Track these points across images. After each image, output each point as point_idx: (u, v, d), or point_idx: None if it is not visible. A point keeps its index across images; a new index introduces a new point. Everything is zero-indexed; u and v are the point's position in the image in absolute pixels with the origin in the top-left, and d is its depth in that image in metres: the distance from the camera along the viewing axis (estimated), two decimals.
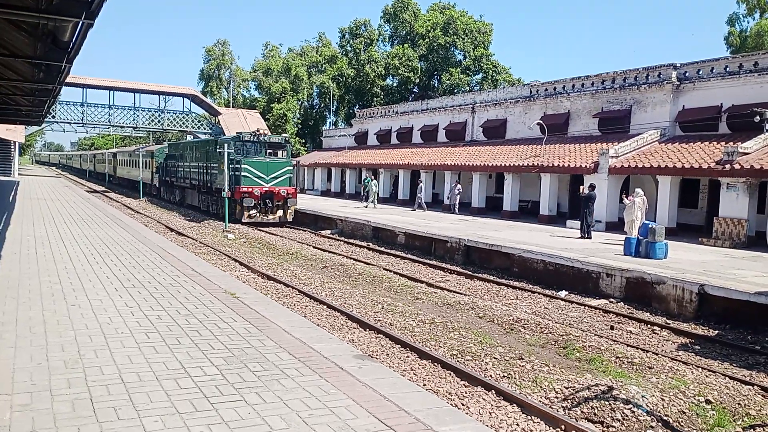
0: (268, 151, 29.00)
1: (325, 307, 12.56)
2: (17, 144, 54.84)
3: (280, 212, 28.86)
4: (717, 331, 12.19)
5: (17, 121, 42.89)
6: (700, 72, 26.92)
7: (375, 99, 66.66)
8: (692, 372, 9.34)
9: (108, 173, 68.80)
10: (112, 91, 54.44)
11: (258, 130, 29.41)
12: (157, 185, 44.85)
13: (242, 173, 27.64)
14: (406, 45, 66.72)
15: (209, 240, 22.97)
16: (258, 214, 28.17)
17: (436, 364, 9.05)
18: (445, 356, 9.44)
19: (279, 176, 28.63)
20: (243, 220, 27.56)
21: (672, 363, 9.75)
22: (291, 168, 29.59)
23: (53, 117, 51.49)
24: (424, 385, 8.12)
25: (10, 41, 15.42)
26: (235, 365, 6.23)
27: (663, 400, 7.96)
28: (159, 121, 56.90)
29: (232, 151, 27.47)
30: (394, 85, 68.98)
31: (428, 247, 21.28)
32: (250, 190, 27.65)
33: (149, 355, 6.40)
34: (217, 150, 28.13)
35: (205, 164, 31.96)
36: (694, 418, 7.63)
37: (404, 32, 68.92)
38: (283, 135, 31.88)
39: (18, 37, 14.55)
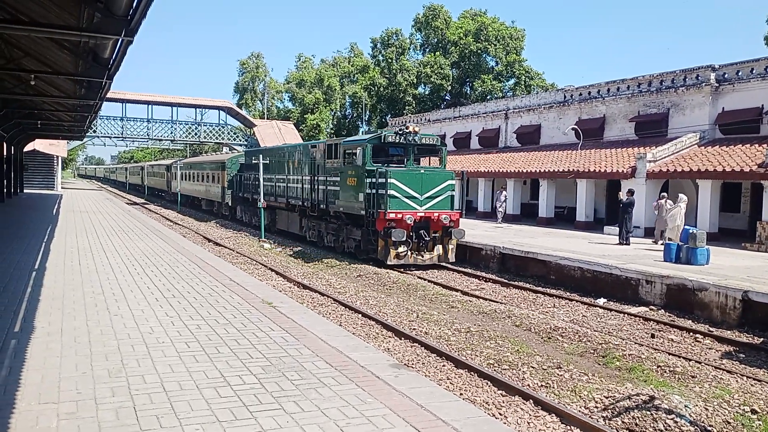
0: (418, 157, 20.83)
1: (360, 315, 12.60)
2: (60, 158, 56.46)
3: (438, 248, 19.60)
4: (762, 339, 11.84)
5: (60, 136, 44.33)
6: (740, 73, 26.29)
7: (407, 107, 66.80)
8: (737, 381, 9.10)
9: (157, 188, 61.06)
10: (150, 105, 55.80)
11: (407, 126, 19.69)
12: (230, 203, 35.46)
13: (388, 191, 18.43)
14: (437, 53, 66.78)
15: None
16: (409, 253, 19.11)
17: (472, 373, 8.99)
18: (482, 365, 9.37)
19: (437, 195, 19.25)
20: (389, 262, 18.72)
21: (716, 372, 9.51)
22: (453, 182, 19.64)
23: (94, 131, 52.94)
24: (461, 394, 8.07)
25: (53, 59, 15.98)
26: (273, 374, 6.29)
27: (707, 410, 7.76)
28: (195, 134, 57.99)
29: (363, 158, 19.40)
30: (426, 93, 69.05)
31: (462, 254, 21.17)
32: (399, 216, 18.48)
33: (190, 364, 6.51)
34: (338, 157, 21.04)
35: (311, 176, 23.39)
36: (739, 429, 7.42)
37: (436, 40, 69.01)
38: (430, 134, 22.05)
39: (60, 55, 15.07)
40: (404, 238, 18.37)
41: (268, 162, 28.79)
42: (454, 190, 19.62)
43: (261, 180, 27.26)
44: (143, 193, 68.21)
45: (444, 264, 19.64)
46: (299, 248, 23.82)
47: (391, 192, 18.55)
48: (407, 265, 19.08)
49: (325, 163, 22.08)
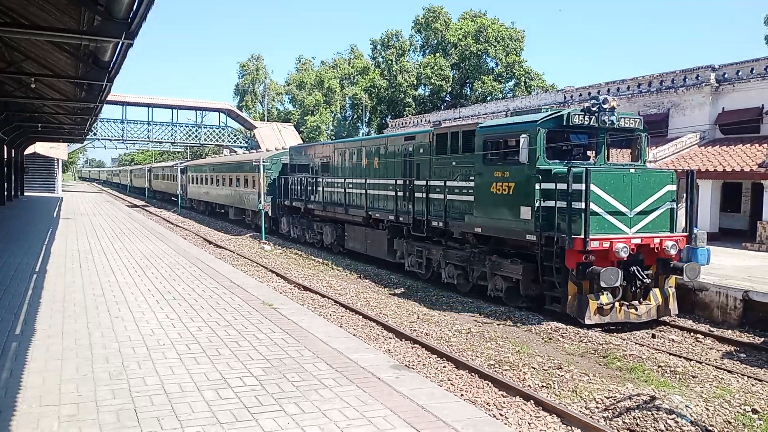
0: (609, 147, 13.88)
1: (360, 317, 12.60)
2: (60, 161, 56.51)
3: (655, 294, 12.71)
4: (763, 339, 11.83)
5: (60, 138, 44.37)
6: (740, 73, 26.30)
7: (407, 109, 66.82)
8: (737, 381, 9.10)
9: (168, 192, 54.39)
10: (150, 108, 55.81)
11: (603, 100, 12.79)
12: (270, 213, 28.48)
13: (589, 203, 11.66)
14: (437, 54, 66.80)
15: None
16: (617, 305, 12.18)
17: (473, 374, 8.99)
18: (482, 366, 9.37)
19: (652, 208, 12.58)
20: (588, 320, 11.86)
21: (716, 372, 9.51)
22: (674, 188, 12.95)
23: (95, 134, 53.00)
24: (462, 395, 8.07)
25: (54, 62, 16.02)
26: (274, 375, 6.30)
27: (708, 410, 7.77)
28: (196, 136, 58.02)
29: (531, 151, 12.67)
30: (426, 94, 69.07)
31: None
32: (605, 245, 11.77)
33: (190, 366, 6.52)
34: (463, 151, 14.87)
35: (406, 181, 17.28)
36: (740, 428, 7.42)
37: (436, 41, 69.04)
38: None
39: (61, 59, 15.11)
40: (617, 283, 11.57)
41: (326, 161, 23.26)
42: (674, 201, 12.88)
43: (262, 179, 27.16)
44: (152, 198, 63.56)
45: (664, 319, 12.90)
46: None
47: (593, 206, 11.66)
48: (614, 323, 12.17)
49: (436, 160, 15.90)
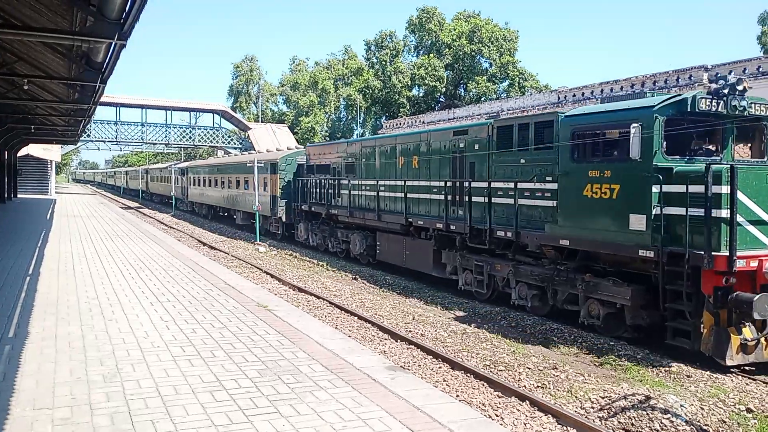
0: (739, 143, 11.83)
1: (356, 318, 12.59)
2: (53, 163, 56.28)
3: None
4: None
5: (53, 140, 44.19)
6: (732, 73, 26.45)
7: (401, 110, 66.92)
8: (732, 380, 9.12)
9: (166, 195, 51.36)
10: (144, 109, 55.68)
11: (737, 80, 10.57)
12: (283, 218, 26.57)
13: (735, 211, 9.17)
14: (431, 55, 66.95)
15: None
16: (762, 342, 9.41)
17: (468, 374, 8.99)
18: (478, 367, 9.37)
19: None
20: (730, 360, 9.19)
21: (710, 371, 9.53)
22: None
23: (88, 136, 52.81)
24: (457, 396, 8.07)
25: (46, 63, 15.95)
26: (269, 377, 6.28)
27: (702, 409, 7.79)
28: (190, 138, 57.90)
29: (646, 144, 10.08)
30: (420, 95, 69.20)
31: None
32: (755, 265, 9.35)
33: (185, 369, 6.49)
34: (536, 143, 12.54)
35: (456, 183, 15.13)
36: (735, 428, 7.44)
37: (430, 42, 69.20)
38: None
39: (54, 60, 15.05)
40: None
41: (351, 161, 20.95)
42: None
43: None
44: (149, 200, 61.59)
45: None
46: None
47: (742, 219, 9.42)
48: (758, 363, 9.58)
49: (498, 157, 13.58)
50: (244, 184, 30.96)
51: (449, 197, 15.25)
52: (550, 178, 11.96)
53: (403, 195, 17.28)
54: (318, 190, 23.05)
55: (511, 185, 12.94)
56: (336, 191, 21.76)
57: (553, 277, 12.13)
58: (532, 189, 12.51)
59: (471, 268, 14.60)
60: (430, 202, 16.31)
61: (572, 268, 11.84)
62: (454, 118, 44.63)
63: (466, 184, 14.50)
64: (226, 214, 36.99)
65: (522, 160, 12.89)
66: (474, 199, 14.15)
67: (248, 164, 29.61)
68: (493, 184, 13.57)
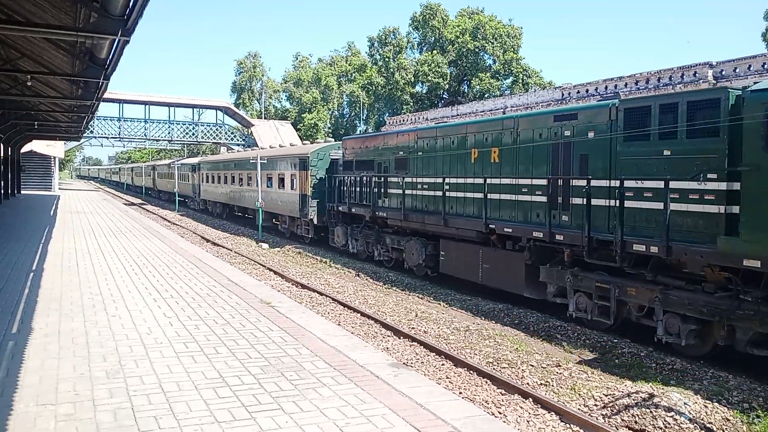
0: None
1: (359, 315, 12.59)
2: (57, 159, 56.38)
3: None
4: None
5: (57, 136, 44.25)
6: (737, 70, 26.36)
7: (405, 106, 66.84)
8: (735, 378, 9.10)
9: (171, 193, 48.45)
10: (147, 106, 55.80)
11: None
12: (314, 220, 23.58)
13: None
14: (435, 51, 66.84)
15: None
16: None
17: (471, 372, 8.99)
18: (481, 364, 9.37)
19: None
20: None
21: (714, 369, 9.51)
22: None
23: (91, 132, 52.94)
24: (460, 393, 8.06)
25: (50, 60, 15.95)
26: (272, 374, 6.27)
27: (706, 407, 7.76)
28: (193, 134, 57.96)
29: None
30: (424, 91, 69.10)
31: None
32: None
33: (188, 365, 6.49)
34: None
35: (563, 183, 12.36)
36: (739, 426, 7.42)
37: (433, 39, 69.06)
38: None
39: (57, 56, 15.05)
40: None
41: (404, 155, 17.96)
42: None
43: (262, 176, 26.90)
44: (156, 198, 59.19)
45: None
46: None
47: None
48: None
49: (627, 148, 10.72)
50: (267, 182, 28.68)
51: (550, 199, 12.22)
52: (714, 176, 9.26)
53: (480, 195, 14.27)
54: (359, 189, 20.32)
55: (654, 184, 10.04)
56: (382, 190, 19.00)
57: (732, 310, 9.12)
58: (687, 190, 9.63)
59: (589, 291, 11.40)
60: (519, 205, 13.36)
61: (762, 298, 8.87)
62: (458, 115, 44.56)
63: (579, 182, 11.65)
64: (245, 214, 34.52)
65: (666, 152, 10.03)
66: (594, 201, 11.17)
67: (272, 159, 27.83)
68: (626, 184, 10.49)
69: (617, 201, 10.60)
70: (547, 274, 12.52)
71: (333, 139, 28.54)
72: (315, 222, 23.49)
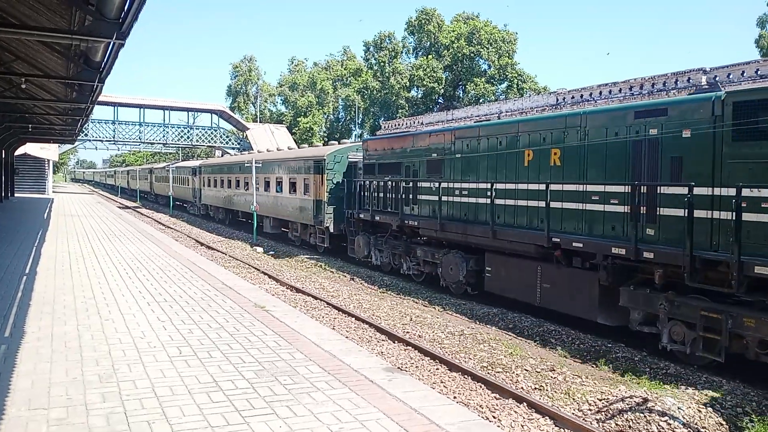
0: None
1: (353, 319, 12.57)
2: (51, 162, 56.18)
3: None
4: None
5: (51, 139, 44.11)
6: (731, 76, 26.47)
7: (400, 111, 66.89)
8: (729, 383, 9.12)
9: (175, 197, 46.90)
10: (142, 109, 55.68)
11: None
12: (330, 227, 21.82)
13: None
14: (430, 56, 66.97)
15: None
16: None
17: (466, 376, 8.98)
18: (475, 368, 9.36)
19: None
20: None
21: (708, 374, 9.53)
22: None
23: (86, 135, 52.78)
24: (455, 397, 8.06)
25: (44, 62, 15.91)
26: (266, 378, 6.25)
27: (700, 412, 7.78)
28: (188, 137, 57.86)
29: None
30: (419, 96, 69.18)
31: None
32: None
33: (181, 369, 6.46)
34: None
35: (651, 188, 10.43)
36: (732, 431, 7.44)
37: (428, 43, 69.22)
38: None
39: (51, 59, 15.01)
40: None
41: (437, 157, 16.09)
42: None
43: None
44: (154, 202, 58.72)
45: None
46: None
47: None
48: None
49: (739, 150, 9.09)
50: (276, 186, 26.94)
51: (634, 209, 10.42)
52: None
53: (536, 204, 12.62)
54: (383, 194, 18.49)
55: None
56: (412, 196, 17.09)
57: None
58: None
59: (690, 320, 9.50)
60: (587, 215, 11.56)
61: None
62: (453, 120, 44.61)
63: (672, 190, 9.95)
64: (248, 220, 31.74)
65: None
66: (698, 213, 9.30)
67: (282, 162, 26.30)
68: (744, 192, 8.60)
69: (730, 213, 8.76)
70: (630, 298, 10.50)
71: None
72: (331, 230, 21.80)
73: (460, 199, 15.12)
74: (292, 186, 24.98)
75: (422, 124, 47.67)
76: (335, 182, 21.66)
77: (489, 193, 13.67)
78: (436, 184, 15.77)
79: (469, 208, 14.85)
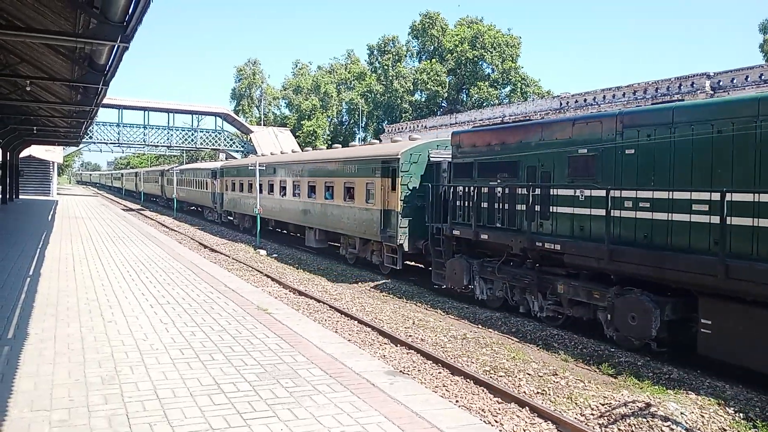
0: None
1: (356, 322, 12.56)
2: (55, 164, 56.36)
3: None
4: None
5: (56, 142, 44.26)
6: (734, 81, 26.47)
7: (403, 114, 66.97)
8: (732, 388, 9.08)
9: (188, 202, 43.92)
10: (146, 112, 55.85)
11: None
12: (405, 245, 17.22)
13: None
14: (434, 60, 67.06)
15: None
16: None
17: (468, 380, 8.96)
18: (478, 372, 9.34)
19: None
20: None
21: (711, 378, 9.50)
22: None
23: (90, 137, 52.93)
24: (457, 401, 8.04)
25: (49, 65, 15.97)
26: (268, 381, 6.26)
27: (703, 416, 7.75)
28: (192, 140, 58.00)
29: None
30: (423, 100, 69.27)
31: None
32: None
33: (184, 371, 6.47)
34: None
35: None
36: None
37: (432, 47, 69.33)
38: None
39: (56, 61, 15.07)
40: None
41: (579, 154, 11.85)
42: None
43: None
44: (164, 206, 53.94)
45: None
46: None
47: None
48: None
49: None
50: (325, 192, 22.06)
51: None
52: None
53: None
54: (490, 204, 14.14)
55: None
56: (543, 209, 12.56)
57: None
58: None
59: None
60: None
61: None
62: (456, 123, 44.63)
63: None
64: (284, 231, 28.92)
65: None
66: None
67: (326, 163, 22.38)
68: None
69: None
70: None
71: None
72: (405, 248, 17.34)
73: (636, 214, 10.55)
74: (348, 192, 20.37)
75: (426, 127, 47.68)
76: (411, 188, 17.26)
77: (720, 209, 8.86)
78: (588, 194, 11.47)
79: (659, 229, 10.19)
